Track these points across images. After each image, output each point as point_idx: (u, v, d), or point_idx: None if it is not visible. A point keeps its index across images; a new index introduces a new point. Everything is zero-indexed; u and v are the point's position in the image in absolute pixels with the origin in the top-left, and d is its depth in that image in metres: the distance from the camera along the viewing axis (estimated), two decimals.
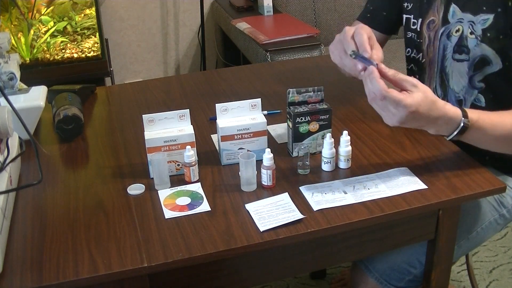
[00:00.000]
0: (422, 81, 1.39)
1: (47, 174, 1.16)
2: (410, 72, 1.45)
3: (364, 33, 1.09)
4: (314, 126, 1.18)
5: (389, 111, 1.01)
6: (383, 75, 1.02)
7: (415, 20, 1.37)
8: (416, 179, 1.10)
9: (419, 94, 1.00)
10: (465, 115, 1.06)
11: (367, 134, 1.28)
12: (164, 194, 1.08)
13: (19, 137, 1.14)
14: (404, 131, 1.27)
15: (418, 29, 1.37)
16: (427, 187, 1.08)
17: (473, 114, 1.07)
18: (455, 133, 1.07)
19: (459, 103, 1.30)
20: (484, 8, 1.21)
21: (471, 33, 1.24)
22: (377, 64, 1.03)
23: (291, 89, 1.19)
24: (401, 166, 1.15)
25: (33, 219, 1.03)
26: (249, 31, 2.51)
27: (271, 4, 2.76)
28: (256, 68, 1.75)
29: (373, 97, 1.01)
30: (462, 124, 1.06)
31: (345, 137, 1.14)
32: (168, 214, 1.02)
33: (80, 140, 1.31)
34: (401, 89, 1.02)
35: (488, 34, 1.21)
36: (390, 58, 2.49)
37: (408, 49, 1.43)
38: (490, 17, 1.20)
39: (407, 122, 1.02)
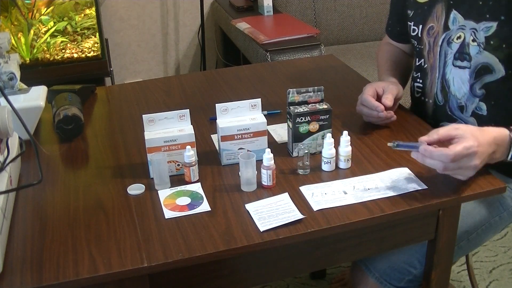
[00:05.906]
0: (425, 86, 1.39)
1: (47, 174, 1.16)
2: (413, 78, 1.46)
3: (369, 98, 1.26)
4: (314, 126, 1.18)
5: (463, 167, 1.05)
6: (431, 143, 1.06)
7: (415, 27, 1.38)
8: (416, 179, 1.10)
9: (467, 129, 1.06)
10: (509, 128, 1.10)
11: (367, 134, 1.28)
12: (164, 194, 1.08)
13: (19, 137, 1.14)
14: (404, 131, 1.27)
15: (419, 35, 1.37)
16: (427, 187, 1.08)
17: None
18: None
19: (461, 109, 1.31)
20: (487, 15, 1.21)
21: (473, 40, 1.23)
22: (420, 143, 1.07)
23: (291, 89, 1.19)
24: (401, 166, 1.15)
25: (33, 219, 1.03)
26: (249, 31, 2.51)
27: (271, 4, 2.76)
28: (256, 68, 1.75)
29: (444, 166, 1.04)
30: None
31: (345, 137, 1.14)
32: (168, 214, 1.02)
33: (80, 140, 1.31)
34: (450, 139, 1.06)
35: (491, 42, 1.21)
36: None
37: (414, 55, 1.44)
38: (494, 24, 1.20)
39: (481, 162, 1.05)
